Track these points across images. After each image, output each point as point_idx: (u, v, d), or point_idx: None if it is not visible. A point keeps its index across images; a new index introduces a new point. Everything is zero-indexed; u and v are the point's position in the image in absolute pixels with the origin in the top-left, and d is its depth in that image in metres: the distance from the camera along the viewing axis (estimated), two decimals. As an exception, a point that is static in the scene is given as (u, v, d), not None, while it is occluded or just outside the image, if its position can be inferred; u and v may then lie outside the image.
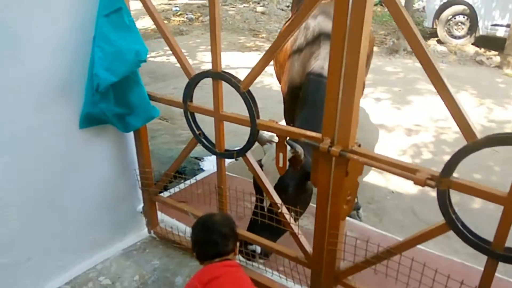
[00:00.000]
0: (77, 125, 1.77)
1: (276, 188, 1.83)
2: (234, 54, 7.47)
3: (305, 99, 2.17)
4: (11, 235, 1.66)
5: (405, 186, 3.15)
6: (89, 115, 1.75)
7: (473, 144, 1.08)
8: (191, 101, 1.70)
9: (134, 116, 1.77)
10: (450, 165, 1.12)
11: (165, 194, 2.65)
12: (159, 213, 2.33)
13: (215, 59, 1.51)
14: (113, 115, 1.73)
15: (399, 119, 4.64)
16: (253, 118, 1.52)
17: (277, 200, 1.66)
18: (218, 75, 1.53)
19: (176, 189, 2.64)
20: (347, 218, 2.61)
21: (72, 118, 1.75)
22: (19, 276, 1.74)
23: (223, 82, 1.56)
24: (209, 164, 3.34)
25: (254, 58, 6.80)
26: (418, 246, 2.26)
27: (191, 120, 1.72)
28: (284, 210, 1.66)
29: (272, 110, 4.45)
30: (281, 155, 1.56)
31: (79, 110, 1.75)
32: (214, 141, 1.73)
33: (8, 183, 1.58)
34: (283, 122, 2.92)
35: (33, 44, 1.55)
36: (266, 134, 2.08)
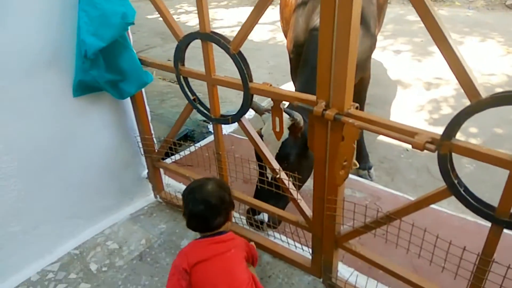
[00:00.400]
0: (70, 93, 1.74)
1: (277, 157, 1.78)
2: (248, 9, 7.19)
3: (306, 59, 2.05)
4: (16, 205, 1.69)
5: (421, 144, 3.02)
6: (81, 83, 1.71)
7: (477, 104, 0.97)
8: (183, 64, 1.62)
9: (126, 83, 1.71)
10: (451, 127, 1.03)
11: (176, 157, 2.65)
12: (166, 177, 2.33)
13: (202, 19, 1.41)
14: (105, 82, 1.68)
15: (419, 72, 4.41)
16: (245, 81, 1.43)
17: (275, 166, 1.61)
18: (206, 36, 1.44)
19: (185, 153, 2.64)
20: (357, 178, 2.58)
21: (65, 86, 1.71)
22: (29, 243, 1.80)
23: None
24: (218, 126, 3.30)
25: (268, 13, 6.53)
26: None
27: (184, 85, 1.66)
28: (283, 175, 1.61)
29: (286, 67, 4.31)
30: (277, 119, 1.49)
31: (72, 78, 1.71)
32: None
33: (6, 155, 1.59)
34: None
35: (17, 7, 1.48)
36: (266, 103, 2.01)
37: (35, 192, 1.74)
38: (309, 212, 1.61)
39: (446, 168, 1.09)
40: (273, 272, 1.78)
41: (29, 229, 1.77)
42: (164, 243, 1.99)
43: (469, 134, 3.17)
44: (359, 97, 2.72)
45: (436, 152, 1.08)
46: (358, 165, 1.82)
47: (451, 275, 1.22)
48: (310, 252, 1.70)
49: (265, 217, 1.87)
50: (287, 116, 1.80)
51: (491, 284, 1.18)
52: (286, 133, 1.81)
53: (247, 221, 1.94)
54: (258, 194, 1.90)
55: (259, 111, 1.90)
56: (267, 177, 1.75)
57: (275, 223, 1.90)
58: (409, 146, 3.52)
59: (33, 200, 1.75)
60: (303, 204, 1.63)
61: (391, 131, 1.14)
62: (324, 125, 1.30)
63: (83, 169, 1.92)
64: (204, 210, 1.37)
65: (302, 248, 1.82)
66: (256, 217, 1.87)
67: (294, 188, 1.62)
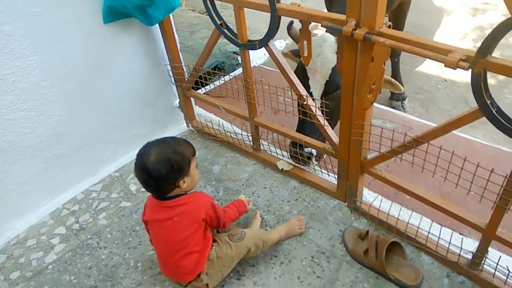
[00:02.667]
0: (101, 20, 1.75)
1: (328, 85, 1.75)
2: None
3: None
4: (58, 129, 1.80)
5: (462, 73, 2.87)
6: (110, 9, 1.71)
7: (518, 15, 0.90)
8: (209, -14, 1.57)
9: (154, 8, 1.70)
10: (487, 43, 0.97)
11: (207, 89, 2.68)
12: (196, 107, 2.39)
13: None
14: (134, 7, 1.67)
15: (466, -3, 4.06)
16: (273, 1, 1.38)
17: (303, 92, 1.60)
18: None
19: (215, 85, 2.66)
20: (389, 109, 2.53)
21: (95, 13, 1.72)
22: (72, 166, 1.94)
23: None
24: (248, 58, 3.25)
25: None
26: (463, 135, 2.17)
27: (211, 9, 1.62)
28: (310, 102, 1.60)
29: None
30: (305, 43, 1.45)
31: (101, 4, 1.72)
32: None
33: (44, 80, 1.66)
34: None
35: None
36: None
37: (74, 117, 1.84)
38: (335, 138, 1.62)
39: (479, 87, 1.05)
40: (300, 196, 1.85)
41: (71, 152, 1.91)
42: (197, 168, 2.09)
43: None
44: (398, 23, 2.58)
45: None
46: (402, 89, 1.75)
47: (478, 201, 1.22)
48: (336, 177, 1.74)
49: (313, 151, 1.86)
50: (333, 39, 1.73)
51: (516, 206, 1.18)
52: (334, 58, 1.71)
53: (291, 155, 1.92)
54: (300, 126, 1.90)
55: (297, 38, 1.83)
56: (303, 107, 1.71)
57: (320, 156, 1.92)
58: (448, 76, 3.38)
59: (73, 125, 1.85)
60: (330, 131, 1.64)
61: (424, 50, 1.09)
62: (353, 46, 1.26)
63: (117, 96, 1.99)
64: (147, 179, 1.30)
65: (328, 174, 1.86)
66: (305, 149, 1.83)
67: (321, 115, 1.62)
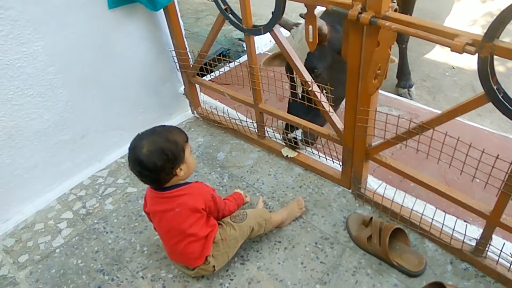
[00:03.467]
0: (106, 5, 1.75)
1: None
2: None
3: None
4: (64, 115, 1.82)
5: (469, 60, 2.82)
6: (115, -6, 1.71)
7: (528, -3, 0.88)
8: (214, -29, 1.56)
9: (158, -7, 1.69)
10: (495, 27, 0.95)
11: (212, 75, 2.67)
12: (201, 94, 2.39)
13: None
14: (138, -8, 1.67)
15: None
16: (278, -15, 1.37)
17: (308, 78, 1.59)
18: None
19: (221, 72, 2.65)
20: (395, 96, 2.50)
21: (99, -2, 1.72)
22: (79, 151, 1.97)
23: None
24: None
25: None
26: (469, 123, 2.15)
27: (215, -7, 1.61)
28: (315, 88, 1.59)
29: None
30: (310, 28, 1.43)
31: (105, -10, 1.72)
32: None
33: (50, 66, 1.67)
34: None
35: None
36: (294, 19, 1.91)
37: (80, 103, 1.85)
38: (340, 125, 1.61)
39: (486, 72, 1.03)
40: (304, 182, 1.86)
41: (78, 138, 1.92)
42: (202, 155, 2.10)
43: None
44: (406, 8, 2.54)
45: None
46: (395, 61, 1.73)
47: (482, 189, 1.22)
48: (340, 164, 1.74)
49: (297, 134, 1.89)
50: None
51: (521, 193, 1.17)
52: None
53: (283, 139, 1.97)
54: (291, 108, 1.91)
55: (287, 26, 1.83)
56: (300, 92, 1.74)
57: (313, 139, 1.93)
58: (455, 63, 3.33)
59: (79, 111, 1.87)
60: (334, 117, 1.63)
61: (429, 34, 1.07)
62: (359, 30, 1.24)
63: (123, 83, 2.00)
64: (142, 172, 1.28)
65: (332, 161, 1.86)
66: (289, 135, 1.88)
67: (326, 101, 1.61)
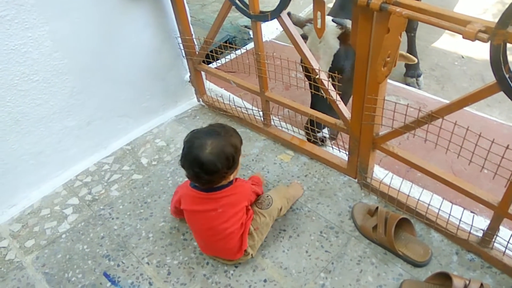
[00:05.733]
0: (111, -9, 1.73)
1: (331, 71, 1.73)
2: None
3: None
4: (69, 101, 1.81)
5: (479, 49, 2.77)
6: (120, -21, 1.68)
7: (545, -18, 0.86)
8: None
9: (164, -22, 1.66)
10: (509, 14, 0.92)
11: (218, 63, 2.65)
12: (207, 82, 2.37)
13: None
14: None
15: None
16: (286, -30, 1.34)
17: (315, 65, 1.56)
18: None
19: (226, 59, 2.63)
20: (403, 85, 2.47)
21: (104, -17, 1.70)
22: (85, 138, 1.96)
23: None
24: (260, 32, 3.20)
25: None
26: (478, 113, 2.12)
27: (222, -21, 1.58)
28: (322, 76, 1.57)
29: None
30: (319, 14, 1.41)
31: (111, -26, 1.69)
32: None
33: (56, 51, 1.66)
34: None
35: None
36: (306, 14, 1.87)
37: (86, 89, 1.85)
38: (347, 114, 1.59)
39: (498, 60, 1.01)
40: (310, 172, 1.85)
41: (83, 125, 1.92)
42: (207, 143, 2.09)
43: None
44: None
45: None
46: (416, 60, 1.72)
47: (489, 180, 1.20)
48: (347, 154, 1.72)
49: (325, 132, 1.89)
50: (334, 25, 1.71)
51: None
52: (336, 44, 1.73)
53: (306, 134, 1.94)
54: (314, 102, 1.90)
55: (299, 23, 1.80)
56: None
57: (335, 135, 1.92)
58: (465, 53, 3.28)
59: (85, 97, 1.86)
60: (342, 106, 1.61)
61: (441, 20, 1.05)
62: (369, 16, 1.21)
63: (129, 69, 1.98)
64: (199, 172, 1.25)
65: (338, 150, 1.84)
66: (319, 134, 1.87)
67: (334, 89, 1.59)
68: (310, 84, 1.77)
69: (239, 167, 1.38)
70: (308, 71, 1.70)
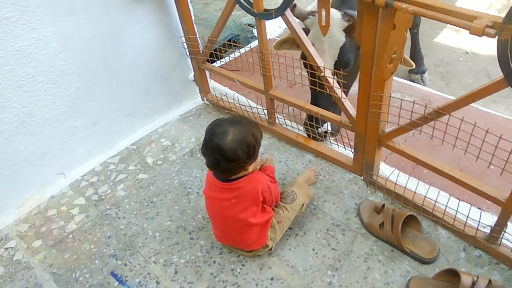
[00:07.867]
0: (115, -9, 1.73)
1: (337, 65, 1.72)
2: None
3: None
4: (75, 101, 1.82)
5: (484, 45, 2.76)
6: (124, -21, 1.69)
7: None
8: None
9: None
10: (518, 7, 0.92)
11: (221, 62, 2.65)
12: (211, 81, 2.37)
13: None
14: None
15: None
16: (290, -33, 1.34)
17: (320, 63, 1.56)
18: None
19: (230, 58, 2.63)
20: (408, 82, 2.46)
21: (108, -17, 1.70)
22: (90, 139, 1.97)
23: None
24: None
25: None
26: (484, 109, 2.11)
27: (226, -23, 1.58)
28: (327, 73, 1.57)
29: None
30: (323, 12, 1.40)
31: (114, -26, 1.70)
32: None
33: (61, 52, 1.66)
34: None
35: None
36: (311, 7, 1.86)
37: (91, 90, 1.85)
38: (353, 111, 1.59)
39: (506, 55, 1.00)
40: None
41: (89, 125, 1.93)
42: (212, 142, 2.09)
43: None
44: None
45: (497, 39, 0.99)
46: (414, 65, 1.73)
47: (497, 176, 1.20)
48: (352, 151, 1.72)
49: (327, 127, 1.88)
50: (340, 17, 1.69)
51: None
52: (342, 37, 1.71)
53: (305, 130, 1.93)
54: (314, 99, 1.89)
55: (302, 16, 1.79)
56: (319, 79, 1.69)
57: (336, 130, 1.92)
58: (470, 48, 3.27)
59: (90, 97, 1.86)
60: (347, 103, 1.61)
61: (448, 16, 1.04)
62: (374, 13, 1.21)
63: (133, 69, 1.99)
64: (219, 159, 1.24)
65: (344, 148, 1.84)
66: (320, 129, 1.86)
67: (339, 87, 1.59)
68: (311, 80, 1.77)
69: (258, 160, 1.37)
70: (312, 68, 1.70)
